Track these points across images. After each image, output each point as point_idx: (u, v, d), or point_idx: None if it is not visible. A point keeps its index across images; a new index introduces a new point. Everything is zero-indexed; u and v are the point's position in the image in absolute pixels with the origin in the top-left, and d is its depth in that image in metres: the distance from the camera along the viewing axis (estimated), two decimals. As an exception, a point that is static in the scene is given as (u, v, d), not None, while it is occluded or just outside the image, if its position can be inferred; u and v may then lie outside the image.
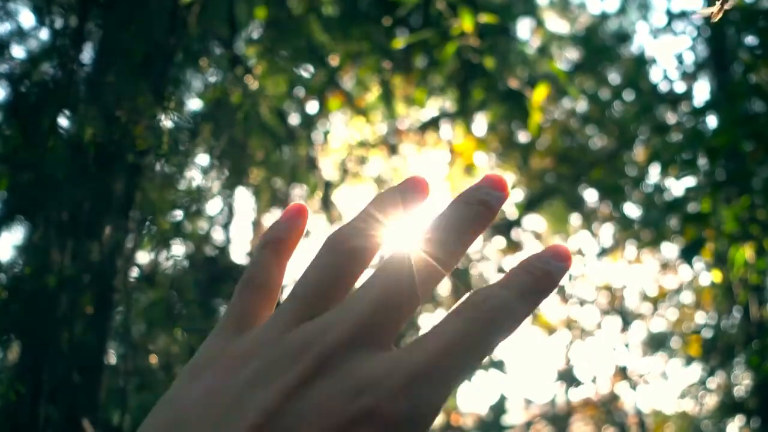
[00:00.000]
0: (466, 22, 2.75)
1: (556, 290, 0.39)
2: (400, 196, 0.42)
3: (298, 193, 4.06)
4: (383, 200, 0.42)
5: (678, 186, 5.73)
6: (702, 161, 4.16)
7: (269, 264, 0.43)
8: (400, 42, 3.18)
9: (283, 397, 0.33)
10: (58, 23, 1.81)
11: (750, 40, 4.42)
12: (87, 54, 1.76)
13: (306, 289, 0.39)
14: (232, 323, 0.40)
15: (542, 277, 0.38)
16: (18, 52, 1.84)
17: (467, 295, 0.37)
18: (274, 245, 0.43)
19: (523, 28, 6.15)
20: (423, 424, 0.34)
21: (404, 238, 0.39)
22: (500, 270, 6.94)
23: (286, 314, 0.38)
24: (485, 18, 2.80)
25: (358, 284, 0.39)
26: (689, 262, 5.05)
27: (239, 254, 4.82)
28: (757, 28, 3.96)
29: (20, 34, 1.94)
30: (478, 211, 0.40)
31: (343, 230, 0.41)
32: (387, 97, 3.32)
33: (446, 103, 4.92)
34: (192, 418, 0.35)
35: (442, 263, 0.38)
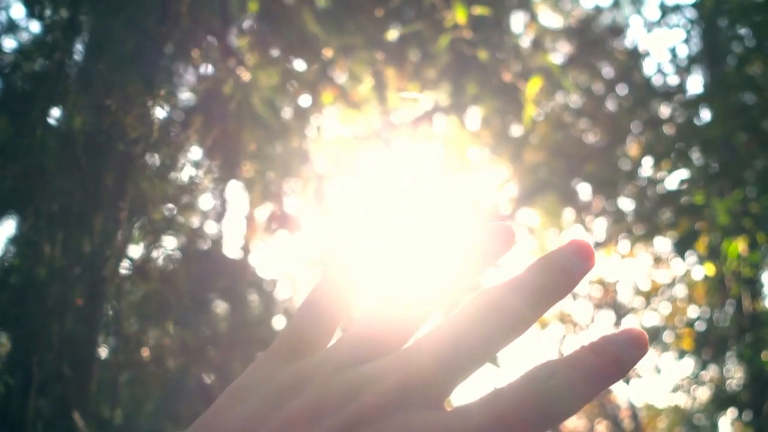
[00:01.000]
0: (459, 14, 2.74)
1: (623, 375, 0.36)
2: (482, 246, 0.40)
3: (291, 187, 4.05)
4: (459, 248, 0.40)
5: (671, 179, 5.75)
6: (695, 154, 4.17)
7: (335, 292, 0.41)
8: (393, 33, 3.16)
9: None
10: (49, 13, 1.79)
11: (743, 32, 4.42)
12: (77, 44, 1.74)
13: (364, 332, 0.37)
14: (287, 347, 0.38)
15: (613, 362, 0.35)
16: (8, 42, 1.82)
17: (531, 367, 0.35)
18: (342, 273, 0.41)
19: (517, 21, 6.13)
20: None
21: (474, 295, 0.38)
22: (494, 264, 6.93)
23: (341, 353, 0.36)
24: (479, 10, 2.79)
25: (423, 331, 0.38)
26: (683, 255, 5.06)
27: (232, 248, 4.80)
28: (750, 22, 3.96)
29: (10, 25, 1.93)
30: (556, 280, 0.38)
31: (411, 277, 0.39)
32: (380, 89, 3.30)
33: (439, 97, 4.91)
34: None
35: (510, 330, 0.36)
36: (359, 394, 0.34)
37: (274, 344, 0.39)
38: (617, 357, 0.35)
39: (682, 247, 4.18)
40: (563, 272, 0.38)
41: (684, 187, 4.38)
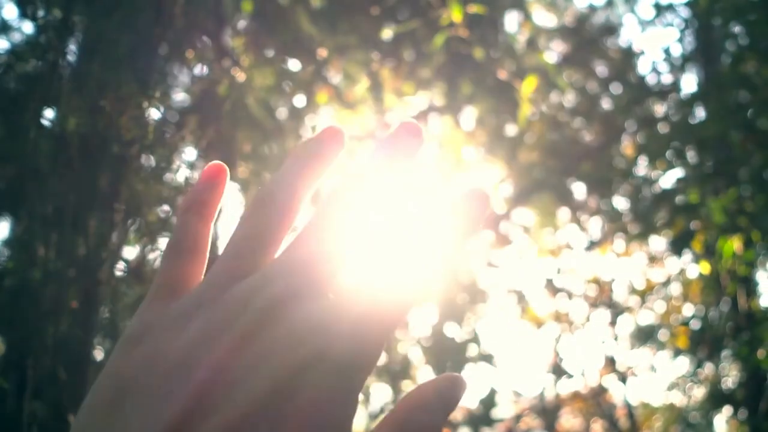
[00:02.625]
0: (455, 13, 2.74)
1: None
2: (319, 147, 0.43)
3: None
4: (304, 152, 0.43)
5: (666, 178, 5.76)
6: (690, 153, 4.17)
7: (195, 227, 0.42)
8: (388, 32, 3.16)
9: (229, 352, 0.33)
10: (42, 14, 1.78)
11: (737, 31, 4.43)
12: (71, 44, 1.73)
13: (237, 248, 0.39)
14: (165, 290, 0.39)
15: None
16: (1, 44, 1.81)
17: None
18: (197, 207, 0.43)
19: (511, 20, 6.13)
20: (368, 364, 0.34)
21: (330, 188, 0.40)
22: (489, 264, 6.95)
23: (221, 274, 0.37)
24: (474, 8, 2.78)
25: (289, 238, 0.40)
26: (679, 254, 5.06)
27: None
28: (744, 20, 3.96)
29: (3, 27, 1.92)
30: (397, 160, 0.42)
31: (268, 186, 0.41)
32: (376, 89, 3.30)
33: (434, 97, 4.91)
34: (138, 384, 0.34)
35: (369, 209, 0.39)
36: (250, 303, 0.35)
37: (151, 291, 0.39)
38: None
39: (678, 246, 4.18)
40: (403, 153, 0.42)
41: (679, 186, 4.39)
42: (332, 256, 0.37)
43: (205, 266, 0.41)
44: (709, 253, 4.37)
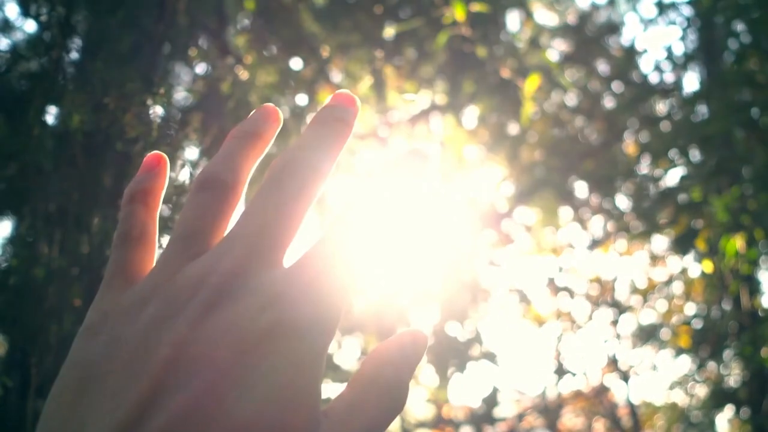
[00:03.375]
0: (458, 11, 2.73)
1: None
2: (255, 126, 0.44)
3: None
4: (241, 132, 0.43)
5: (670, 177, 5.74)
6: (693, 151, 4.16)
7: (141, 215, 0.43)
8: (391, 30, 3.15)
9: (189, 327, 0.33)
10: (45, 11, 1.77)
11: (740, 29, 4.42)
12: (74, 42, 1.73)
13: (186, 229, 0.39)
14: (118, 279, 0.39)
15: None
16: (4, 41, 1.81)
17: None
18: (142, 196, 0.43)
19: (513, 19, 6.13)
20: (329, 327, 0.35)
21: (271, 165, 0.41)
22: (491, 263, 6.94)
23: (173, 256, 0.38)
24: (477, 7, 2.78)
25: (235, 218, 0.40)
26: (684, 252, 5.05)
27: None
28: (747, 18, 3.96)
29: (5, 24, 1.91)
30: (336, 128, 0.42)
31: (209, 167, 0.42)
32: (380, 87, 3.29)
33: (436, 95, 4.90)
34: (101, 370, 0.34)
35: (313, 179, 0.40)
36: (204, 280, 0.35)
37: (104, 282, 0.39)
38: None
39: (682, 245, 4.17)
40: (339, 120, 0.43)
41: (683, 184, 4.38)
42: (280, 227, 0.38)
43: (155, 254, 0.42)
44: (712, 251, 4.36)
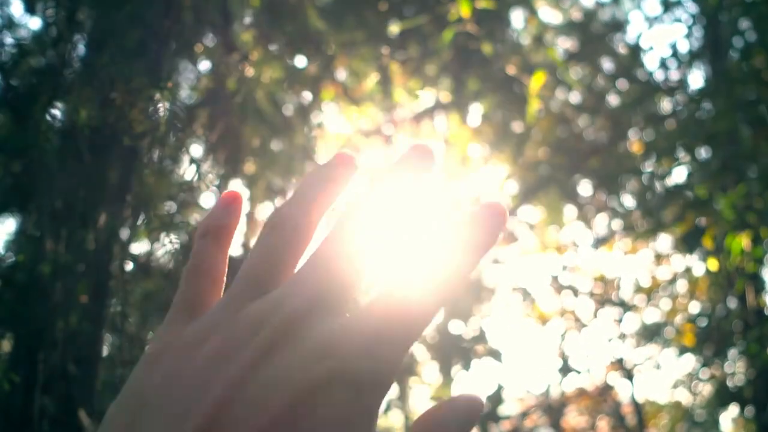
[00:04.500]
0: (463, 8, 2.72)
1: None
2: (332, 172, 0.43)
3: (294, 185, 4.03)
4: (316, 177, 0.43)
5: (676, 174, 5.73)
6: (699, 149, 4.15)
7: (212, 251, 0.43)
8: (396, 27, 3.14)
9: (246, 369, 0.33)
10: (51, 7, 1.77)
11: (745, 27, 4.41)
12: (81, 38, 1.72)
13: (254, 270, 0.39)
14: (183, 311, 0.40)
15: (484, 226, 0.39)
16: (10, 38, 1.80)
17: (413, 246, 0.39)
18: (214, 232, 0.44)
19: (517, 17, 6.11)
20: (386, 382, 0.35)
21: (341, 212, 0.41)
22: (495, 261, 6.93)
23: (238, 294, 0.38)
24: (482, 3, 2.77)
25: (303, 261, 0.40)
26: (691, 250, 5.04)
27: (233, 246, 4.78)
28: (753, 16, 3.94)
29: (11, 21, 1.91)
30: (410, 179, 0.42)
31: (282, 209, 0.42)
32: (385, 83, 3.29)
33: (441, 94, 4.90)
34: (155, 401, 0.34)
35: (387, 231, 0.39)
36: (266, 321, 0.35)
37: (169, 314, 0.40)
38: (484, 220, 0.39)
39: (689, 243, 4.16)
40: (413, 172, 0.42)
41: (690, 181, 4.36)
42: (347, 274, 0.38)
43: (223, 290, 0.42)
44: (718, 249, 4.35)
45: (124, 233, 1.76)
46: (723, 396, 6.11)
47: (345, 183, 0.44)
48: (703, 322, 6.52)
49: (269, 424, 0.32)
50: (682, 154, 4.45)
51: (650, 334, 7.98)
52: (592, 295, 7.99)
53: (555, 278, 7.80)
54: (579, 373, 8.02)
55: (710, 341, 6.07)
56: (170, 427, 0.33)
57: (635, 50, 6.36)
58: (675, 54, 6.30)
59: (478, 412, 0.40)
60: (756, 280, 4.75)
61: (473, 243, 0.39)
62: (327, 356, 0.34)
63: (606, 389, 8.31)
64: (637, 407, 8.11)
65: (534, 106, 3.25)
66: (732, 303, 5.59)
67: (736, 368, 5.92)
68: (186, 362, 0.35)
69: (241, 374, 0.33)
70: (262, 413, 0.32)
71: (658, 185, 5.80)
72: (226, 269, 0.43)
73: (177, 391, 0.34)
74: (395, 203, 0.41)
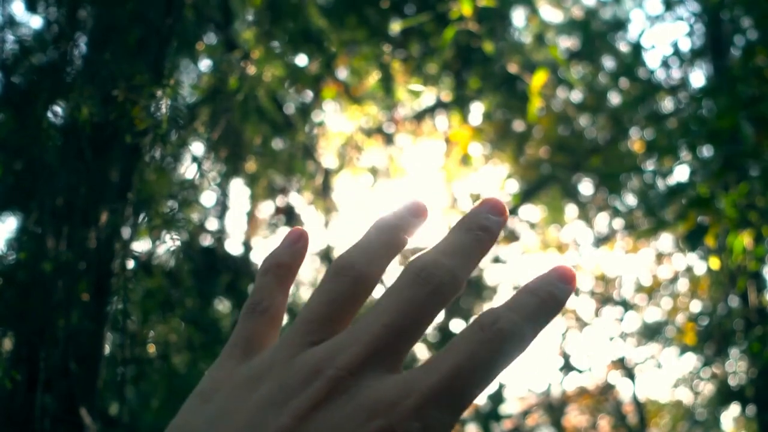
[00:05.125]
0: (465, 6, 2.72)
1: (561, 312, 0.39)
2: (401, 220, 0.43)
3: (295, 184, 4.03)
4: (385, 224, 0.43)
5: (677, 173, 5.72)
6: (700, 148, 4.14)
7: (273, 289, 0.43)
8: (398, 25, 3.14)
9: (296, 420, 0.33)
10: (52, 5, 1.77)
11: (747, 25, 4.40)
12: (82, 35, 1.72)
13: (313, 314, 0.39)
14: (239, 348, 0.40)
15: (548, 299, 0.38)
16: (12, 36, 1.80)
17: (475, 317, 0.37)
18: (276, 270, 0.44)
19: (518, 16, 6.11)
20: None
21: (408, 263, 0.40)
22: (496, 260, 6.93)
23: (295, 338, 0.38)
24: (484, 2, 2.77)
25: (363, 309, 0.40)
26: (693, 248, 5.03)
27: (234, 244, 4.78)
28: (755, 14, 3.94)
29: (13, 19, 1.91)
30: (478, 237, 0.41)
31: (348, 255, 0.41)
32: (387, 82, 3.28)
33: (442, 93, 4.89)
34: None
35: (446, 288, 0.38)
36: (320, 371, 0.35)
37: (225, 349, 0.40)
38: (552, 294, 0.38)
39: (692, 241, 4.15)
40: (483, 229, 0.41)
41: (691, 180, 4.36)
42: (406, 331, 0.37)
43: (280, 329, 0.42)
44: (719, 248, 4.35)
45: (126, 231, 1.76)
46: (724, 395, 6.11)
47: (414, 233, 0.43)
48: (705, 321, 6.52)
49: None
50: (683, 153, 4.45)
51: (651, 332, 7.97)
52: (593, 294, 7.98)
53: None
54: (580, 372, 8.01)
55: (711, 340, 6.06)
56: None
57: (637, 49, 6.36)
58: (676, 52, 6.30)
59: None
60: (758, 278, 4.75)
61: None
62: (377, 416, 0.34)
63: (607, 388, 8.30)
64: (639, 406, 8.11)
65: (535, 104, 3.25)
66: (733, 302, 5.58)
67: (737, 367, 5.91)
68: (238, 404, 0.35)
69: (291, 424, 0.33)
70: None
71: (659, 184, 5.79)
72: (285, 308, 0.43)
73: None
74: (466, 264, 0.40)
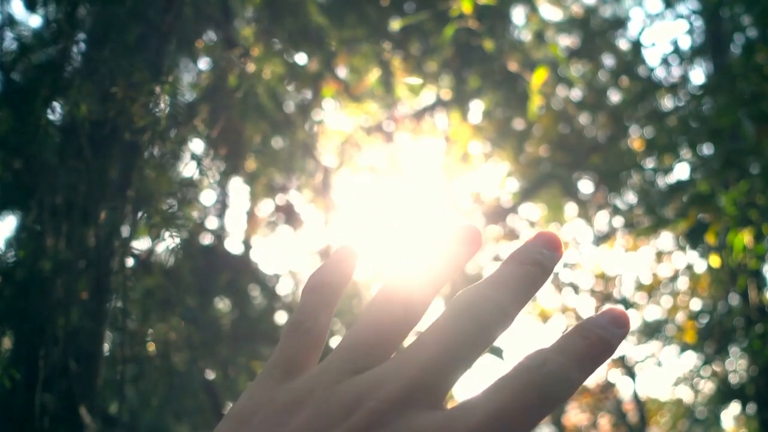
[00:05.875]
0: (465, 4, 2.71)
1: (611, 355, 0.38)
2: (456, 248, 0.42)
3: (294, 182, 4.02)
4: (439, 250, 0.41)
5: (678, 171, 5.72)
6: (701, 146, 4.14)
7: (317, 308, 0.42)
8: (397, 23, 3.13)
9: None
10: (52, 2, 1.76)
11: (747, 22, 4.40)
12: (81, 33, 1.71)
13: (358, 341, 0.38)
14: (280, 369, 0.39)
15: (599, 343, 0.37)
16: (10, 33, 1.79)
17: (522, 358, 0.36)
18: (321, 289, 0.43)
19: (518, 14, 6.11)
20: None
21: (457, 293, 0.39)
22: (496, 258, 6.92)
23: (337, 363, 0.37)
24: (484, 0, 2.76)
25: (410, 339, 0.39)
26: (694, 246, 5.03)
27: (234, 243, 4.78)
28: (755, 12, 3.93)
29: (11, 20, 1.90)
30: (531, 273, 0.40)
31: (397, 280, 0.40)
32: (387, 79, 3.28)
33: (441, 91, 4.88)
34: None
35: (495, 323, 0.38)
36: (362, 402, 0.34)
37: (266, 368, 0.39)
38: (602, 337, 0.37)
39: (692, 239, 4.15)
40: (536, 264, 0.40)
41: (692, 178, 4.36)
42: (452, 365, 0.36)
43: (322, 350, 0.41)
44: (720, 246, 4.35)
45: (125, 229, 1.76)
46: (725, 393, 6.11)
47: (467, 260, 0.42)
48: (705, 319, 6.51)
49: None
50: (684, 151, 4.44)
51: (651, 331, 7.97)
52: (593, 292, 7.98)
53: (556, 275, 7.80)
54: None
55: (712, 338, 6.06)
56: None
57: (637, 47, 6.35)
58: (676, 50, 6.30)
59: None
60: (758, 276, 4.75)
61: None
62: None
63: (607, 386, 8.30)
64: (639, 404, 8.11)
65: (535, 102, 3.24)
66: (734, 300, 5.58)
67: (737, 365, 5.92)
68: (276, 428, 0.35)
69: None
70: None
71: (659, 182, 5.79)
72: (329, 328, 0.42)
73: None
74: (512, 304, 0.39)
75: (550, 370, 0.35)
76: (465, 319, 0.37)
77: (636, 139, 6.20)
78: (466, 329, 0.37)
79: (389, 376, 0.35)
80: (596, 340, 0.37)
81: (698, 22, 6.17)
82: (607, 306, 0.39)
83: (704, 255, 5.63)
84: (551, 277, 0.41)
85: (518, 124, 5.84)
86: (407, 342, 0.39)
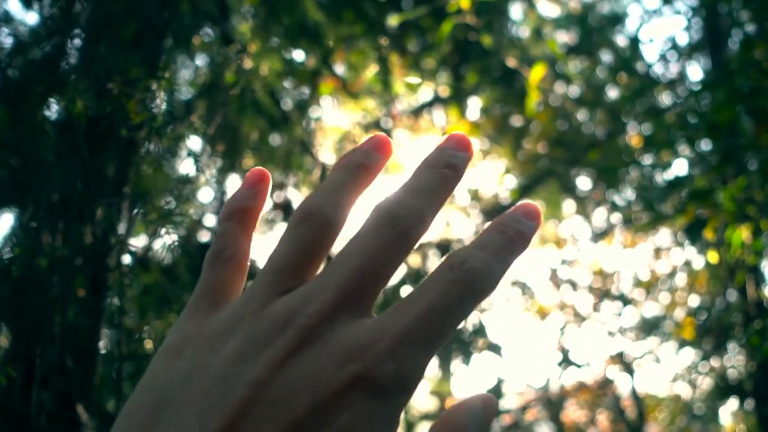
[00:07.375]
0: (463, 0, 2.71)
1: (527, 249, 0.39)
2: (365, 158, 0.42)
3: (292, 179, 4.02)
4: (348, 163, 0.42)
5: (676, 167, 5.72)
6: (698, 142, 4.14)
7: (236, 235, 0.42)
8: (395, 19, 3.13)
9: (271, 369, 0.33)
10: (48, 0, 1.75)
11: (745, 18, 4.40)
12: (77, 29, 1.71)
13: (281, 262, 0.38)
14: (205, 300, 0.39)
15: (515, 236, 0.38)
16: (6, 30, 1.78)
17: (444, 258, 0.37)
18: (239, 215, 0.43)
19: (516, 10, 6.10)
20: (410, 386, 0.34)
21: (373, 204, 0.39)
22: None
23: (263, 287, 0.37)
24: (482, -5, 2.76)
25: (332, 253, 0.39)
26: (693, 241, 5.03)
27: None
28: (752, 7, 3.93)
29: (7, 16, 1.89)
30: (444, 175, 0.40)
31: (312, 199, 0.40)
32: (385, 75, 3.27)
33: (439, 87, 4.88)
34: (177, 397, 0.34)
35: (414, 229, 0.38)
36: (291, 320, 0.35)
37: (192, 301, 0.39)
38: (518, 231, 0.38)
39: (691, 235, 4.15)
40: (449, 167, 0.40)
41: (690, 173, 4.36)
42: (375, 273, 0.37)
43: (246, 276, 0.41)
44: (718, 242, 4.35)
45: (122, 227, 1.75)
46: (723, 389, 6.12)
47: (378, 170, 0.42)
48: (703, 316, 6.52)
49: (291, 426, 0.32)
50: (682, 147, 4.45)
51: (650, 327, 7.98)
52: (591, 288, 7.99)
53: (554, 272, 7.80)
54: (579, 366, 8.02)
55: (710, 334, 6.07)
56: (191, 424, 0.32)
57: (634, 43, 6.35)
58: (674, 46, 6.30)
59: (494, 412, 0.39)
60: (756, 272, 4.75)
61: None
62: (351, 361, 0.33)
63: (606, 383, 8.31)
64: (637, 401, 8.12)
65: (533, 98, 3.24)
66: (732, 296, 5.59)
67: (736, 361, 5.93)
68: (209, 358, 0.34)
69: (265, 374, 0.33)
70: (284, 415, 0.32)
71: (658, 178, 5.80)
72: (250, 254, 0.42)
73: (199, 389, 0.33)
74: (431, 200, 0.40)
75: (473, 266, 0.36)
76: (384, 228, 0.37)
77: (634, 135, 6.21)
78: (385, 237, 0.37)
79: (316, 292, 0.35)
80: (513, 233, 0.38)
81: (696, 18, 6.17)
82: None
83: (702, 251, 5.64)
84: (461, 182, 0.41)
85: (516, 120, 5.84)
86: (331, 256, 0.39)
